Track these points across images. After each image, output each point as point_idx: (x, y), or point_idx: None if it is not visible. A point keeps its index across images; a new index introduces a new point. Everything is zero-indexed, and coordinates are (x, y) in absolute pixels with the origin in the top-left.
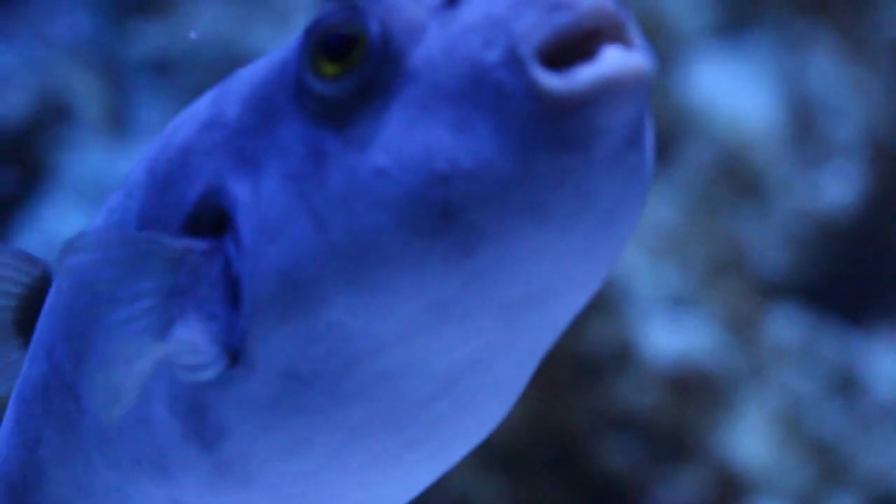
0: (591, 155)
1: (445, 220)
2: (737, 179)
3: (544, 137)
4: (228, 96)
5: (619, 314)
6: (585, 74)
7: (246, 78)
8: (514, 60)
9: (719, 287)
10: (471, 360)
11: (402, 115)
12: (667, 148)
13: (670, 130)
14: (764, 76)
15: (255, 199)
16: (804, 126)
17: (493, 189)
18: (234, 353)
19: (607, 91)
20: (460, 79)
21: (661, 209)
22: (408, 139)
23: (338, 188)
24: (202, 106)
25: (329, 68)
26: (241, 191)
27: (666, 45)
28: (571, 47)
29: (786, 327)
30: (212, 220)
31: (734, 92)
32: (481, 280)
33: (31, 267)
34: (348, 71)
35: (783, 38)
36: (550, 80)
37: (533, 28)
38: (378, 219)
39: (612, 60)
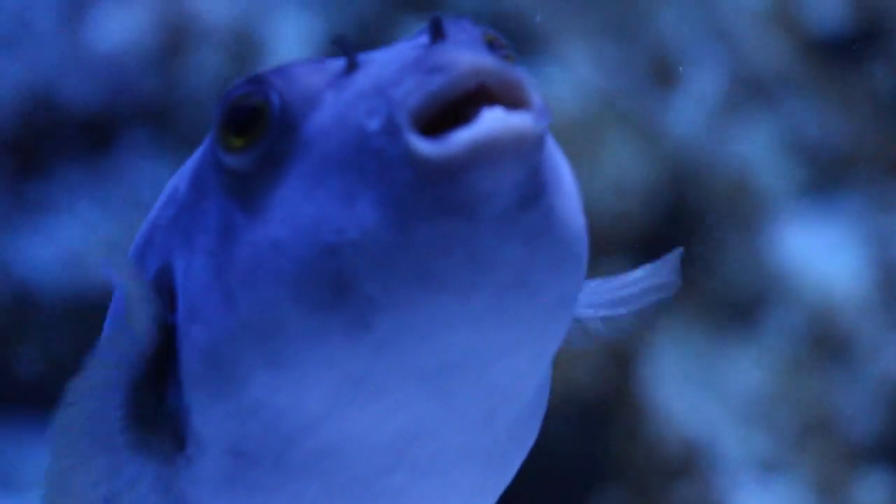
0: (476, 220)
1: (339, 292)
2: (825, 342)
3: (423, 205)
4: (183, 171)
5: (708, 479)
6: (458, 138)
7: (194, 156)
8: (392, 127)
9: (809, 451)
10: (410, 430)
11: (297, 186)
12: (755, 310)
13: (759, 293)
14: (853, 238)
15: (185, 276)
16: (893, 289)
17: (379, 259)
18: (184, 433)
19: (483, 154)
20: (347, 148)
21: (749, 372)
22: (300, 210)
23: (243, 263)
24: (180, 173)
25: (236, 141)
26: (178, 268)
27: (755, 206)
28: (454, 111)
29: (876, 491)
30: (167, 297)
31: (823, 254)
32: (388, 352)
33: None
34: (252, 143)
35: (873, 199)
36: (423, 146)
37: (408, 94)
38: (277, 293)
39: (488, 122)
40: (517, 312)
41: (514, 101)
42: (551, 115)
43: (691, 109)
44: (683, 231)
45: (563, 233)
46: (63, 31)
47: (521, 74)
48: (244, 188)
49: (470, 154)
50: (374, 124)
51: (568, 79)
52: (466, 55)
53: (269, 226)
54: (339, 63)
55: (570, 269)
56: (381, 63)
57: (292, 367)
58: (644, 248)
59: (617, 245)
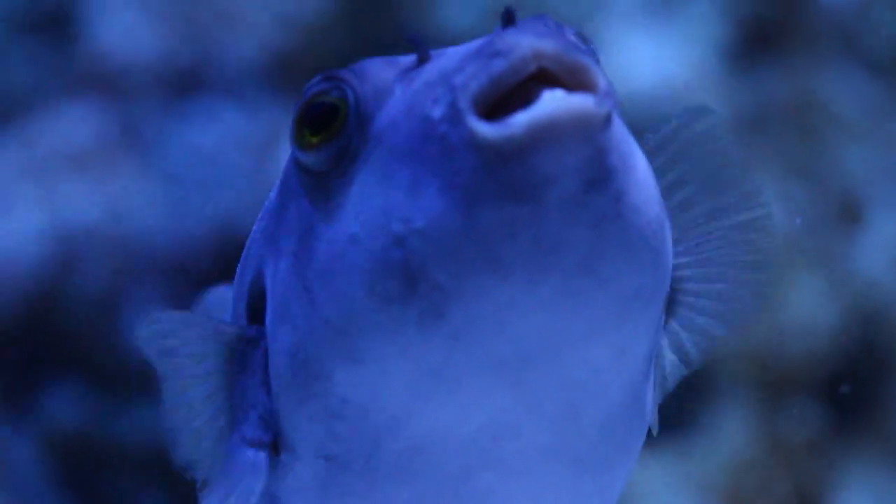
0: (542, 203)
1: (409, 283)
2: None
3: (486, 189)
4: (276, 186)
5: None
6: (518, 120)
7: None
8: (454, 114)
9: None
10: (492, 426)
11: (368, 180)
12: None
13: None
14: None
15: (273, 281)
16: None
17: (446, 246)
18: (277, 440)
19: (544, 135)
20: (414, 138)
21: None
22: (371, 203)
23: (321, 261)
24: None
25: (313, 139)
26: (268, 274)
27: None
28: (516, 94)
29: None
30: (261, 307)
31: None
32: (462, 341)
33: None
34: (328, 140)
35: None
36: (483, 129)
37: (470, 79)
38: (351, 288)
39: (548, 103)
40: (588, 299)
41: (577, 83)
42: (617, 99)
43: (878, 249)
44: (872, 372)
45: (636, 220)
46: (253, 171)
47: (584, 57)
48: (321, 186)
49: (530, 135)
50: (437, 112)
51: None
52: (527, 39)
53: (344, 221)
54: (410, 59)
55: (644, 260)
56: (448, 55)
57: (371, 362)
58: (832, 390)
59: (805, 387)
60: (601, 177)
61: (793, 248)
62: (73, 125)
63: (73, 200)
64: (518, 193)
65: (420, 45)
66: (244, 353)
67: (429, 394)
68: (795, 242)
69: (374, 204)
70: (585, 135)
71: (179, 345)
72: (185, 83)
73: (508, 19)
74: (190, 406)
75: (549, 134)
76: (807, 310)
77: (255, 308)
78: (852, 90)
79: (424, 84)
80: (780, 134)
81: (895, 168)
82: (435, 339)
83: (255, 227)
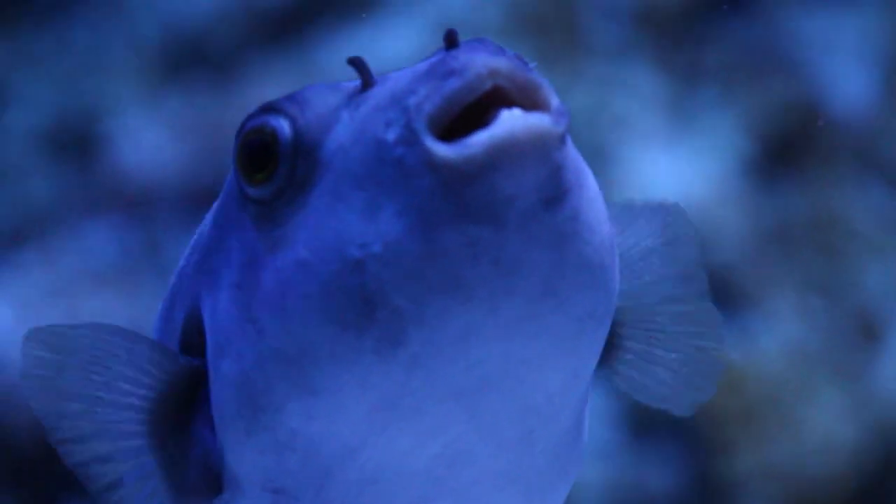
0: (500, 224)
1: (367, 309)
2: None
3: (445, 211)
4: (207, 217)
5: None
6: (476, 140)
7: (219, 199)
8: (409, 135)
9: None
10: (448, 455)
11: (318, 206)
12: None
13: None
14: None
15: (212, 315)
16: None
17: (405, 270)
18: (219, 478)
19: (503, 155)
20: (367, 162)
21: None
22: (323, 230)
23: (269, 290)
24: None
25: (258, 175)
26: (205, 309)
27: None
28: (472, 115)
29: None
30: (197, 342)
31: None
32: (421, 368)
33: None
34: (271, 175)
35: None
36: (441, 150)
37: (424, 100)
38: (305, 316)
39: (506, 123)
40: (548, 322)
41: (531, 102)
42: (569, 117)
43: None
44: (893, 492)
45: (591, 238)
46: None
47: (536, 75)
48: (267, 215)
49: (489, 155)
50: (391, 135)
51: (774, 334)
52: (481, 57)
53: (293, 248)
54: (354, 84)
55: (599, 279)
56: (396, 78)
57: (326, 393)
58: None
59: None
60: (558, 195)
61: (813, 365)
62: (95, 243)
63: (97, 318)
64: (478, 214)
65: (362, 70)
66: (181, 388)
67: (385, 424)
68: (815, 360)
69: (327, 230)
70: (543, 153)
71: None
72: (208, 201)
73: (451, 41)
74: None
75: (508, 153)
76: (827, 428)
77: (190, 345)
78: (871, 205)
79: (374, 108)
80: (801, 249)
81: None
82: (393, 366)
83: (182, 263)
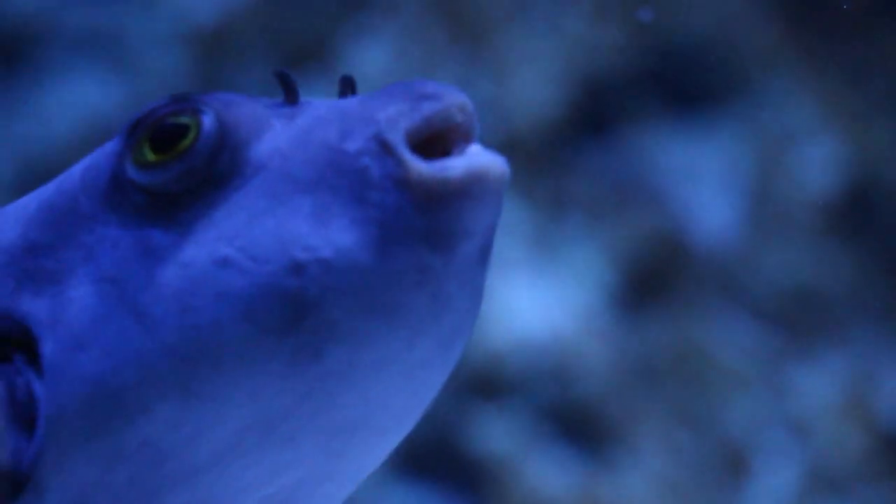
0: (451, 256)
1: (297, 313)
2: None
3: (408, 228)
4: (3, 220)
5: None
6: (458, 164)
7: (22, 204)
8: (380, 147)
9: None
10: (292, 486)
11: (249, 205)
12: None
13: None
14: None
15: (58, 310)
16: None
17: (351, 280)
18: (21, 481)
19: (475, 186)
20: (316, 168)
21: None
22: (257, 228)
23: (169, 284)
24: None
25: (151, 157)
26: (37, 308)
27: None
28: (431, 142)
29: None
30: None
31: None
32: (321, 391)
33: None
34: (174, 159)
35: None
36: (421, 168)
37: (400, 116)
38: (218, 313)
39: (481, 155)
40: (444, 365)
41: (476, 141)
42: None
43: (764, 500)
44: None
45: (480, 302)
46: None
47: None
48: (167, 208)
49: (464, 182)
50: (351, 145)
51: (640, 469)
52: (451, 89)
53: (207, 244)
54: (273, 100)
55: (458, 355)
56: (329, 103)
57: (210, 399)
58: None
59: None
60: (489, 247)
61: (678, 500)
62: None
63: None
64: (436, 240)
65: (289, 84)
66: None
67: (248, 449)
68: (680, 494)
69: (261, 230)
70: (500, 196)
71: None
72: None
73: (349, 86)
74: None
75: (480, 185)
76: None
77: None
78: (736, 337)
79: (318, 118)
80: (666, 382)
81: (781, 418)
82: (298, 381)
83: None
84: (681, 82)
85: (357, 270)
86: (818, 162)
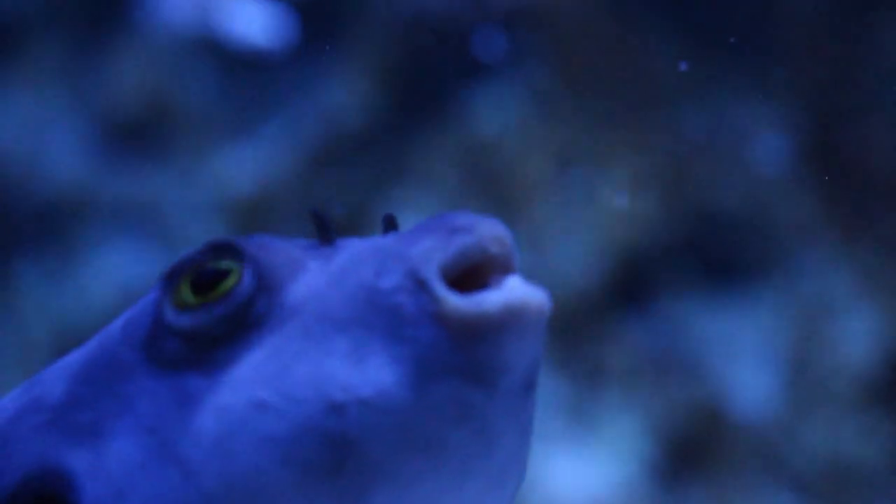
0: (493, 392)
1: (339, 454)
2: None
3: (446, 364)
4: (44, 382)
5: None
6: (495, 297)
7: (66, 361)
8: (414, 284)
9: None
10: None
11: (285, 347)
12: None
13: None
14: None
15: (98, 464)
16: None
17: (391, 419)
18: None
19: (514, 320)
20: (351, 307)
21: None
22: (294, 370)
23: (208, 429)
24: (5, 404)
25: (191, 299)
26: (78, 462)
27: None
28: (469, 276)
29: None
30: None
31: None
32: None
33: None
34: (213, 301)
35: None
36: (457, 302)
37: (433, 251)
38: (258, 458)
39: (519, 288)
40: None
41: (515, 272)
42: None
43: None
44: None
45: (530, 438)
46: None
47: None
48: (203, 352)
49: (502, 316)
50: (386, 283)
51: None
52: (484, 220)
53: (246, 388)
54: (307, 241)
55: (518, 486)
56: (365, 240)
57: None
58: None
59: None
60: (533, 382)
61: None
62: None
63: None
64: (476, 375)
65: (325, 225)
66: None
67: None
68: None
69: (298, 370)
70: (540, 329)
71: None
72: None
73: (391, 224)
74: None
75: (518, 319)
76: None
77: None
78: None
79: (353, 259)
80: None
81: None
82: None
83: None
84: (717, 254)
85: (397, 408)
86: (856, 333)
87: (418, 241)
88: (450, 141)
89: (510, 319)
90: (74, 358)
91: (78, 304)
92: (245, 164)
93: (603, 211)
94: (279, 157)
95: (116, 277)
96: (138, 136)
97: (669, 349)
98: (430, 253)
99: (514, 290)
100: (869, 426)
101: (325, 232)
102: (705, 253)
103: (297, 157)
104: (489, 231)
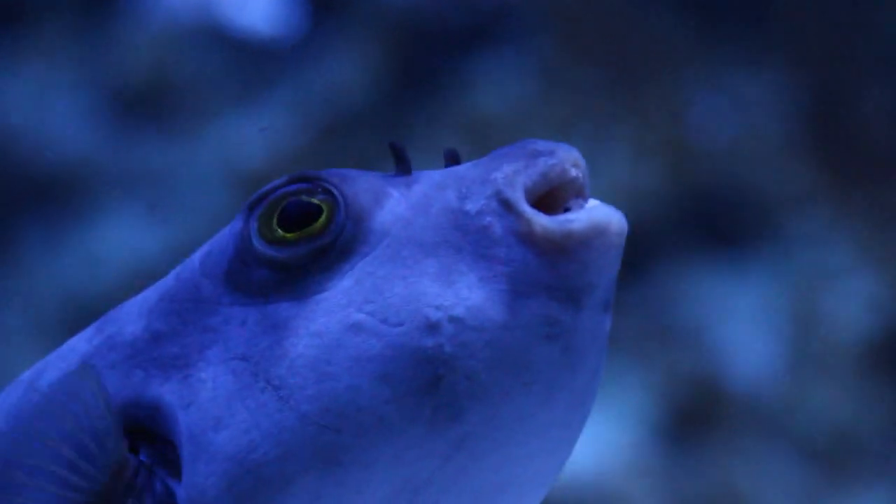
0: (580, 308)
1: (434, 372)
2: None
3: (535, 282)
4: (117, 321)
5: None
6: (581, 217)
7: (142, 298)
8: (500, 205)
9: None
10: None
11: (376, 271)
12: None
13: None
14: None
15: (190, 394)
16: None
17: (484, 337)
18: None
19: (598, 238)
20: (438, 231)
21: None
22: (387, 293)
23: (303, 354)
24: (73, 346)
25: (281, 234)
26: (168, 394)
27: None
28: (548, 199)
29: None
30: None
31: None
32: (462, 453)
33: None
34: (309, 237)
35: None
36: (545, 221)
37: (517, 174)
38: (356, 378)
39: (601, 208)
40: (578, 422)
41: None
42: None
43: None
44: None
45: (604, 362)
46: None
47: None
48: (292, 281)
49: (587, 235)
50: (471, 206)
51: None
52: (562, 146)
53: (340, 312)
54: (384, 173)
55: (590, 408)
56: (442, 172)
57: (352, 466)
58: None
59: None
60: (610, 302)
61: None
62: None
63: None
64: (564, 292)
65: (402, 156)
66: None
67: None
68: None
69: (390, 292)
70: (620, 250)
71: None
72: None
73: (453, 159)
74: None
75: (602, 238)
76: None
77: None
78: (779, 478)
79: (433, 185)
80: None
81: None
82: (439, 443)
83: (67, 368)
84: (718, 223)
85: (489, 325)
86: (854, 301)
87: (500, 165)
88: (454, 113)
89: (595, 238)
90: (150, 294)
91: (86, 273)
92: (251, 136)
93: (604, 181)
94: (286, 129)
95: (123, 249)
96: (146, 107)
97: (672, 316)
98: (513, 176)
99: (596, 211)
100: (866, 391)
101: (403, 162)
102: (706, 222)
103: (304, 129)
104: (568, 155)
